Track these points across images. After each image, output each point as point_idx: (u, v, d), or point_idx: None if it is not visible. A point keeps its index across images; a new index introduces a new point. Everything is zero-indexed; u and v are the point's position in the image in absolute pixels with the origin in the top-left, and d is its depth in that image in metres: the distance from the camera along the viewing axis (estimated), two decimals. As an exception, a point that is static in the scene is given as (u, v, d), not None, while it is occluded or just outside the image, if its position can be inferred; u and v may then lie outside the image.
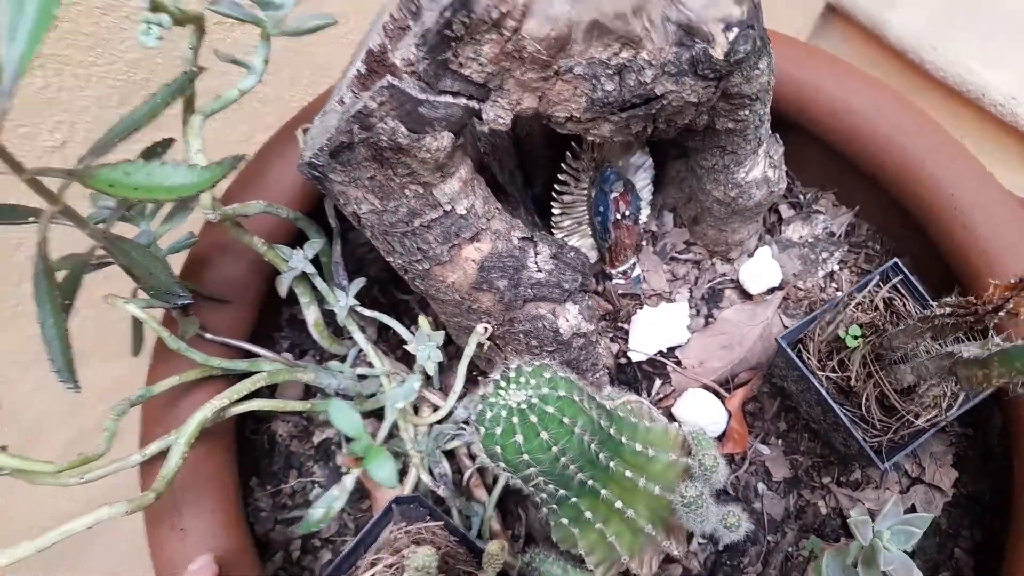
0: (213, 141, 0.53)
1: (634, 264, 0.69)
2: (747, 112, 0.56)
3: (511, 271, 0.54)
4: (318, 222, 0.59)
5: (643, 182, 0.65)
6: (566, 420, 0.46)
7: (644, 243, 0.71)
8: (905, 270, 0.58)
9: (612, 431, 0.51)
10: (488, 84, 0.44)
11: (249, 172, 0.59)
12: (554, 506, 0.51)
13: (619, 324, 0.68)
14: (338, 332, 0.65)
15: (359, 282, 0.60)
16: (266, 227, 0.58)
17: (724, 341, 0.67)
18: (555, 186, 0.60)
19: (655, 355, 0.66)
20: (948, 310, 0.46)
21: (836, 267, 0.70)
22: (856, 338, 0.57)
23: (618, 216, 0.62)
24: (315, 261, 0.60)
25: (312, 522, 0.54)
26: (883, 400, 0.56)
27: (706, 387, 0.66)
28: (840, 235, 0.72)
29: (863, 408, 0.56)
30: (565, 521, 0.52)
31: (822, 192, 0.74)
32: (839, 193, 0.74)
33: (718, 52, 0.42)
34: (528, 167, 0.65)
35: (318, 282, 0.59)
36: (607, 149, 0.60)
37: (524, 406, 0.45)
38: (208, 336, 0.56)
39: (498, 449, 0.45)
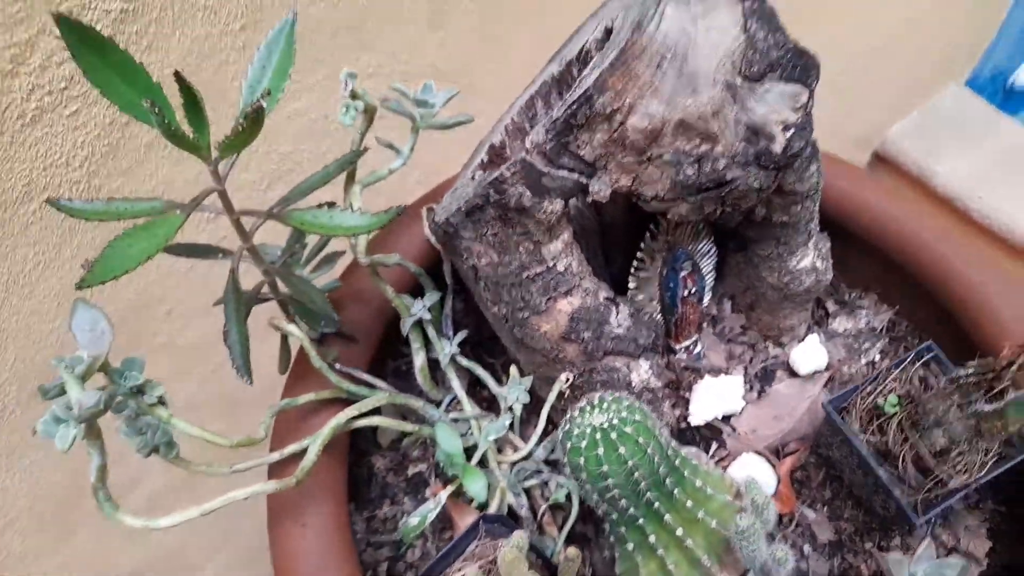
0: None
1: (696, 341, 0.79)
2: (799, 208, 0.67)
3: (596, 324, 0.64)
4: (434, 281, 0.71)
5: (707, 268, 0.75)
6: (640, 440, 0.54)
7: (705, 325, 0.81)
8: (938, 349, 0.67)
9: (677, 462, 0.59)
10: (596, 164, 0.56)
11: (381, 235, 0.72)
12: (622, 529, 0.59)
13: (681, 393, 0.77)
14: (437, 380, 0.75)
15: (463, 334, 0.71)
16: (394, 279, 0.70)
17: (775, 412, 0.75)
18: (634, 262, 0.71)
19: (712, 420, 0.74)
20: (971, 370, 0.55)
21: (877, 356, 0.79)
22: (894, 406, 0.65)
23: (685, 293, 0.73)
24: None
25: (409, 528, 0.63)
26: (919, 462, 0.63)
27: (758, 453, 0.73)
28: (881, 330, 0.81)
29: (900, 468, 0.63)
30: (630, 547, 0.60)
31: (865, 292, 0.84)
32: (881, 293, 0.84)
33: (777, 147, 0.54)
34: (608, 251, 0.76)
35: (430, 330, 0.70)
36: (679, 235, 0.71)
37: (605, 425, 0.54)
38: (338, 366, 0.67)
39: (581, 461, 0.54)
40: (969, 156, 2.05)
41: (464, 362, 0.72)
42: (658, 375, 0.68)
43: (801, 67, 0.53)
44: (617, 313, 0.65)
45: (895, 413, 0.65)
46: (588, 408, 0.56)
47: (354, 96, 0.55)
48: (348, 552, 0.62)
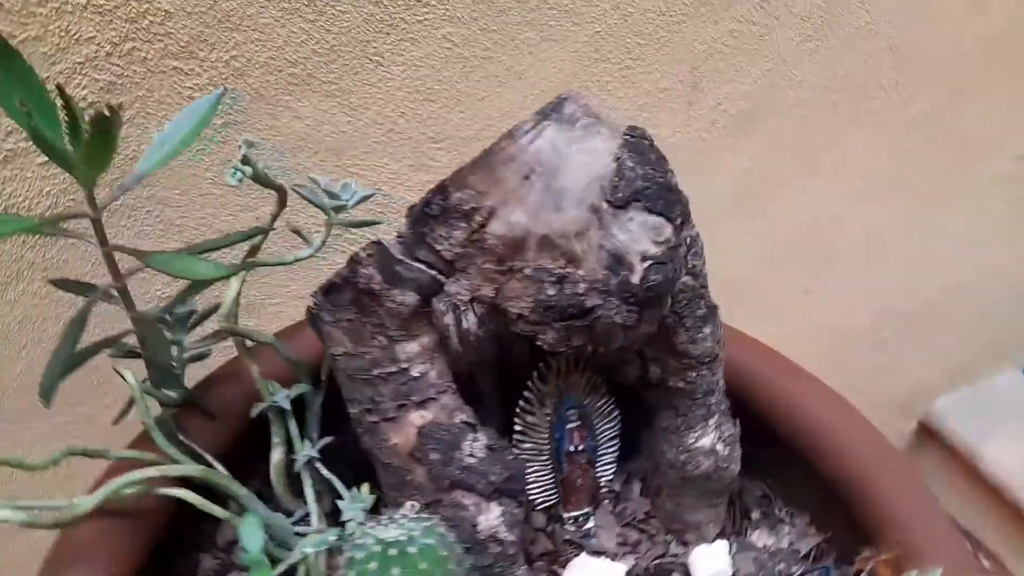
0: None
1: (588, 515, 0.71)
2: (695, 375, 0.62)
3: (446, 446, 0.59)
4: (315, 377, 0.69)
5: (605, 429, 0.70)
6: (423, 567, 0.48)
7: (606, 501, 0.73)
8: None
9: None
10: (455, 263, 0.55)
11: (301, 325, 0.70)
12: None
13: (554, 568, 0.68)
14: (297, 491, 0.70)
15: (327, 439, 0.67)
16: (272, 367, 0.68)
17: (652, 615, 0.64)
18: (520, 402, 0.67)
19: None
20: None
21: (790, 582, 0.68)
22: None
23: (571, 448, 0.67)
24: (301, 414, 0.68)
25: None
26: None
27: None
28: (806, 555, 0.71)
29: None
30: None
31: (799, 511, 0.75)
32: (815, 516, 0.74)
33: (635, 278, 0.52)
34: (511, 391, 0.72)
35: (292, 426, 0.67)
36: (572, 381, 0.67)
37: (391, 540, 0.48)
38: (180, 437, 0.63)
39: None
40: (1022, 444, 1.91)
41: (324, 471, 0.67)
42: (510, 525, 0.61)
43: (666, 200, 0.52)
44: (473, 441, 0.60)
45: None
46: (388, 520, 0.50)
47: (245, 162, 0.57)
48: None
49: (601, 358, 0.63)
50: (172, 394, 0.62)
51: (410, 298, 0.55)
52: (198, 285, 0.61)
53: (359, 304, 0.56)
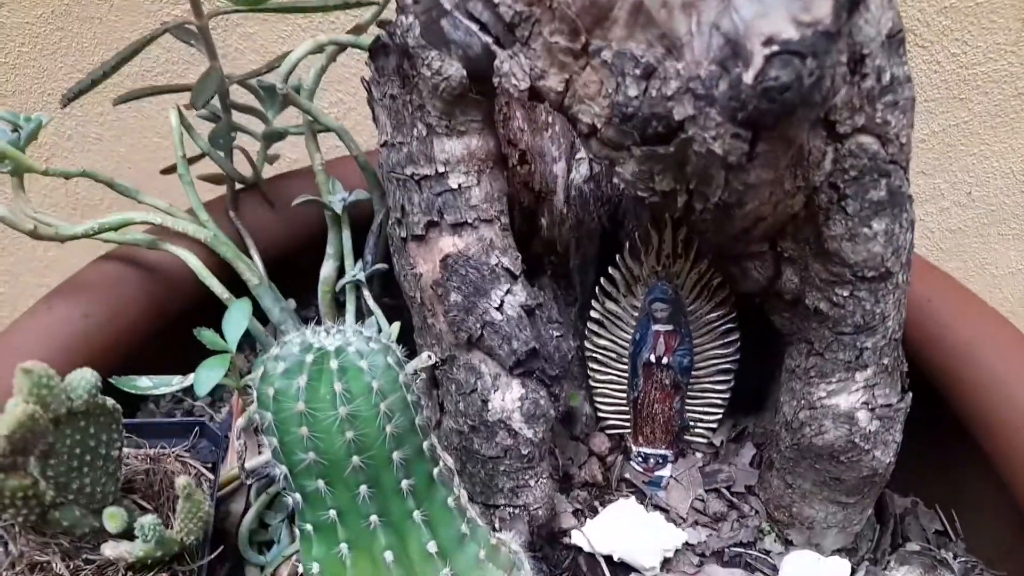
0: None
1: (664, 459, 0.53)
2: (847, 294, 0.41)
3: (471, 288, 0.45)
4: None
5: (713, 355, 0.50)
6: (376, 384, 0.35)
7: (698, 454, 0.54)
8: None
9: (433, 471, 0.38)
10: (516, 30, 0.40)
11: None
12: (307, 525, 0.38)
13: (596, 505, 0.52)
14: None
15: (381, 266, 0.57)
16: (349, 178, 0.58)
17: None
18: (601, 280, 0.50)
19: (602, 556, 0.48)
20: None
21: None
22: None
23: (653, 358, 0.49)
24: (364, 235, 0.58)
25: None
26: None
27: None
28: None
29: None
30: (315, 554, 0.38)
31: (986, 568, 0.49)
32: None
33: (749, 76, 0.32)
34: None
35: (346, 239, 0.57)
36: (676, 272, 0.49)
37: (330, 349, 0.36)
38: (230, 213, 0.57)
39: (270, 391, 0.36)
40: None
41: (368, 299, 0.57)
42: (531, 418, 0.46)
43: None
44: (506, 292, 0.45)
45: None
46: (326, 330, 0.38)
47: None
48: None
49: (719, 241, 0.44)
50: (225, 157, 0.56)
51: (453, 70, 0.41)
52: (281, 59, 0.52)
53: (402, 74, 0.44)
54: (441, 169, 0.45)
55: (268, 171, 0.63)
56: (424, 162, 0.45)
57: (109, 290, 0.53)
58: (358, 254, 0.58)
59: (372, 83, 0.47)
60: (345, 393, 0.35)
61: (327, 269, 0.58)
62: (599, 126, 0.39)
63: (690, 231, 0.47)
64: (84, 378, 0.36)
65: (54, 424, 0.36)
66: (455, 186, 0.45)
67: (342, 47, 0.54)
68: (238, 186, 0.60)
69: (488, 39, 0.41)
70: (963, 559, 0.50)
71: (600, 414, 0.55)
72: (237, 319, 0.49)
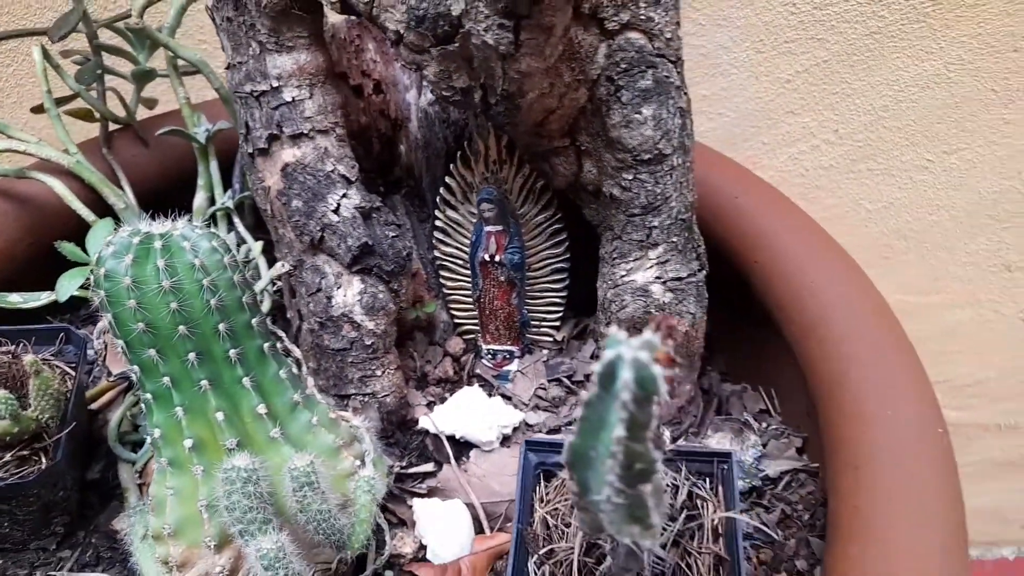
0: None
1: (511, 355, 0.58)
2: (631, 178, 0.47)
3: (310, 193, 0.50)
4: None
5: (545, 254, 0.56)
6: (197, 261, 0.40)
7: (545, 351, 0.60)
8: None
9: (265, 348, 0.42)
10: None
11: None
12: (147, 394, 0.42)
13: (447, 398, 0.56)
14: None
15: (248, 194, 0.61)
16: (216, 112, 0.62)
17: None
18: (440, 191, 0.55)
19: (446, 436, 0.53)
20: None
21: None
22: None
23: (487, 257, 0.54)
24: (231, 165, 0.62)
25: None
26: None
27: (467, 504, 0.50)
28: (771, 477, 0.52)
29: None
30: (156, 418, 0.42)
31: (795, 432, 0.55)
32: (813, 441, 0.55)
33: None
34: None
35: (214, 169, 0.61)
36: (503, 178, 0.54)
37: (156, 234, 0.40)
38: (104, 150, 0.60)
39: (102, 272, 0.40)
40: None
41: (239, 225, 0.61)
42: (371, 310, 0.50)
43: None
44: (342, 196, 0.50)
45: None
46: (160, 223, 0.42)
47: None
48: None
49: (527, 140, 0.49)
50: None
51: (274, -14, 0.46)
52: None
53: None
54: (275, 84, 0.49)
55: (147, 115, 0.67)
56: (260, 79, 0.49)
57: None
58: (228, 185, 0.63)
59: (213, 9, 0.51)
60: (168, 268, 0.39)
61: (199, 200, 0.62)
62: (402, 32, 0.44)
63: (499, 130, 0.52)
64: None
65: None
66: (289, 99, 0.50)
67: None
68: (113, 127, 0.64)
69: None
70: (775, 428, 0.56)
71: (456, 320, 0.60)
72: (99, 236, 0.53)
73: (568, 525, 0.42)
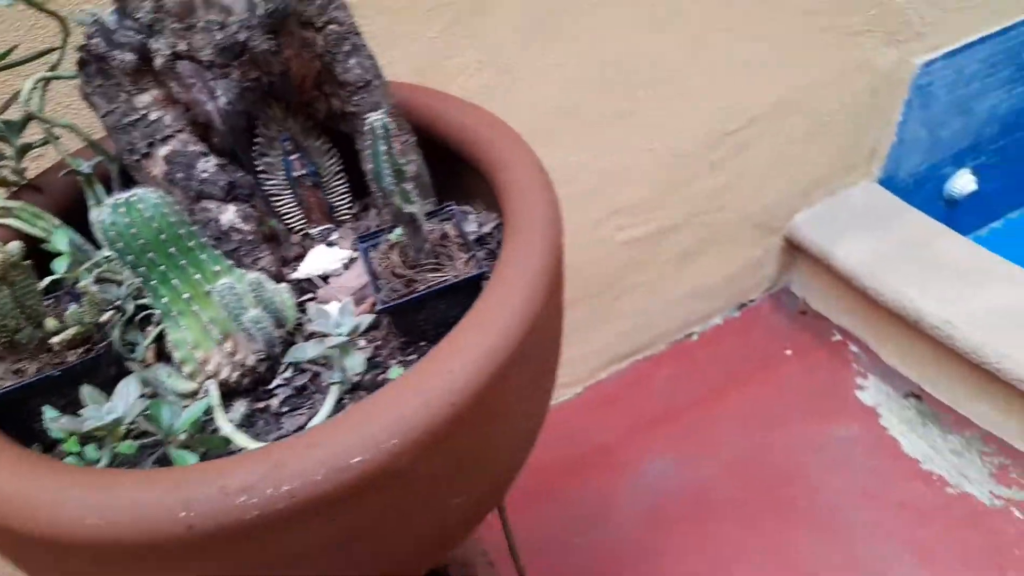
0: None
1: (331, 230, 0.98)
2: (358, 98, 0.88)
3: (186, 167, 0.86)
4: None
5: (329, 165, 0.96)
6: (147, 213, 0.75)
7: (348, 225, 1.00)
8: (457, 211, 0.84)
9: (191, 244, 0.78)
10: (154, 27, 0.81)
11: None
12: (149, 295, 0.77)
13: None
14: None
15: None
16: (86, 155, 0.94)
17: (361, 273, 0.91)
18: (254, 146, 0.94)
19: (313, 276, 0.92)
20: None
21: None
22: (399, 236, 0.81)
23: (296, 173, 0.94)
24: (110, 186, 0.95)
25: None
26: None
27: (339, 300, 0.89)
28: (487, 231, 0.97)
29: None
30: (159, 308, 0.77)
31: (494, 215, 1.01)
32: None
33: (260, 10, 0.77)
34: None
35: (99, 190, 0.94)
36: (291, 127, 0.93)
37: (121, 199, 0.75)
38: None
39: (109, 221, 0.74)
40: (869, 241, 2.17)
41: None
42: (247, 220, 0.88)
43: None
44: (206, 161, 0.87)
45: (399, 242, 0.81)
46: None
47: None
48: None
49: (298, 98, 0.89)
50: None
51: (129, 57, 0.81)
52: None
53: (102, 71, 0.83)
54: (143, 113, 0.84)
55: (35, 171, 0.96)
56: (132, 112, 0.84)
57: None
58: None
59: (84, 84, 0.84)
60: (140, 211, 0.74)
61: (92, 213, 0.94)
62: (213, 59, 0.82)
63: (277, 99, 0.91)
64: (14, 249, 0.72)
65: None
66: (154, 119, 0.85)
67: (54, 78, 0.90)
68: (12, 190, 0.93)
69: (141, 36, 0.81)
70: (483, 213, 1.01)
71: (289, 225, 0.98)
72: (62, 237, 0.84)
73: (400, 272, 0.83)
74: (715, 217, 2.05)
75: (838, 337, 2.25)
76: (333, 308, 0.86)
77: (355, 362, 0.70)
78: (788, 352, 2.26)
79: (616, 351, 2.22)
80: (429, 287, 0.75)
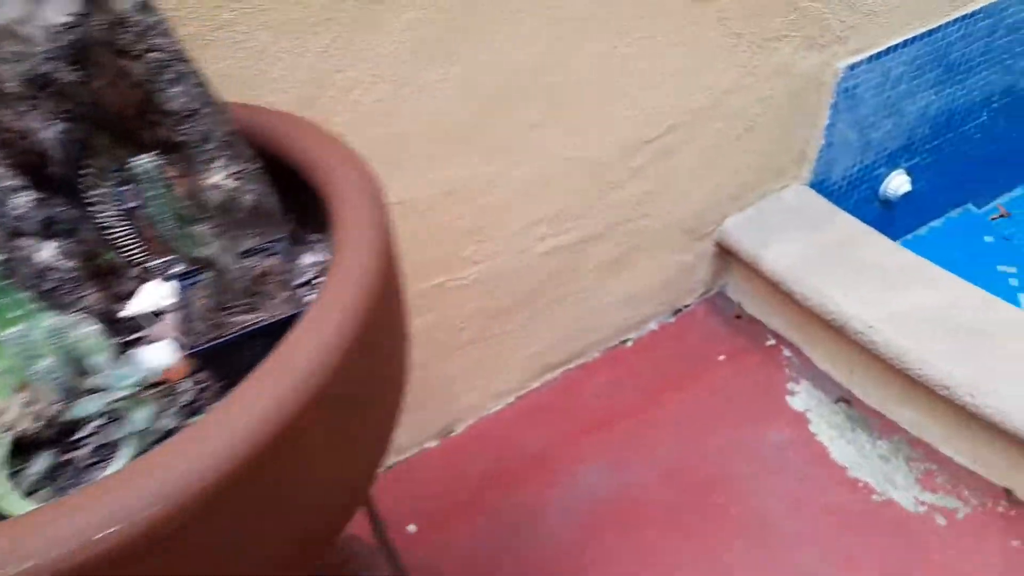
0: None
1: (171, 262, 0.94)
2: (185, 127, 0.84)
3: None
4: None
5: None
6: None
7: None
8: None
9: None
10: (-51, 59, 0.76)
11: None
12: None
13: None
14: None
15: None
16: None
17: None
18: (80, 179, 0.89)
19: (144, 312, 0.88)
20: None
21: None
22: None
23: (128, 206, 0.90)
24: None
25: None
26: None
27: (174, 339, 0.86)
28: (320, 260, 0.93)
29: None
30: None
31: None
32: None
33: (61, 41, 0.73)
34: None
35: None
36: (120, 156, 0.89)
37: None
38: None
39: None
40: (798, 244, 2.15)
41: None
42: (68, 256, 0.84)
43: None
44: (21, 195, 0.82)
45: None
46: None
47: None
48: None
49: (125, 128, 0.85)
50: None
51: (-76, 91, 0.77)
52: None
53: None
54: (-51, 146, 0.80)
55: None
56: (-63, 146, 0.80)
57: None
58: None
59: None
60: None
61: None
62: (19, 91, 0.78)
63: (103, 129, 0.87)
64: None
65: None
66: (-38, 152, 0.81)
67: None
68: None
69: (-64, 68, 0.77)
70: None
71: (128, 257, 0.94)
72: None
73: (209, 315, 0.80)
74: (640, 224, 2.02)
75: (772, 342, 2.23)
76: (159, 349, 0.82)
77: (141, 416, 0.66)
78: (722, 357, 2.25)
79: (548, 360, 2.20)
80: (236, 330, 0.71)
